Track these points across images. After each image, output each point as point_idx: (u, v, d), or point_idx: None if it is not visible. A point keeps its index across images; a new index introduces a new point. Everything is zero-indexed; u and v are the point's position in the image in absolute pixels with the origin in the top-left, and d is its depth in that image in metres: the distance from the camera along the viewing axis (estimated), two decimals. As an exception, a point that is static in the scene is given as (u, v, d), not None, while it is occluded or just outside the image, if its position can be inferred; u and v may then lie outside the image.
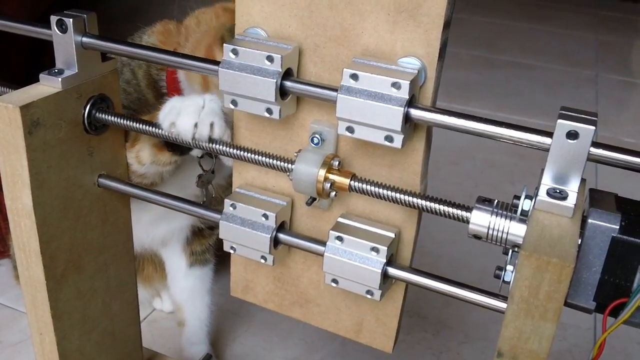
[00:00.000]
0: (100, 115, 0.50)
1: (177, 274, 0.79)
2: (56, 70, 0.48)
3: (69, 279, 0.53)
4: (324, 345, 0.86)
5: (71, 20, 0.47)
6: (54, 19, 0.47)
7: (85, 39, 0.48)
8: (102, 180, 0.53)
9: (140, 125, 0.50)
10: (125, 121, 0.50)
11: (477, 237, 0.40)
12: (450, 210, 0.41)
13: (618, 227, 0.35)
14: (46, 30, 0.49)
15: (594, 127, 0.35)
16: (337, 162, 0.45)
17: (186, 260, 0.79)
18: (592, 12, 2.43)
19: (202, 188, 0.61)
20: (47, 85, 0.48)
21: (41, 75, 0.48)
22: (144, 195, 0.53)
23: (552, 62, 1.94)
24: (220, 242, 0.51)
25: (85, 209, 0.52)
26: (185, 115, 0.48)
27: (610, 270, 0.36)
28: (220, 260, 0.83)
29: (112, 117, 0.50)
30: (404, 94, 0.39)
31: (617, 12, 2.45)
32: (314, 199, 0.47)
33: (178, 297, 0.81)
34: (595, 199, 0.38)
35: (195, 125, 0.48)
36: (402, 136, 0.40)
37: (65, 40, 0.48)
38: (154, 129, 0.49)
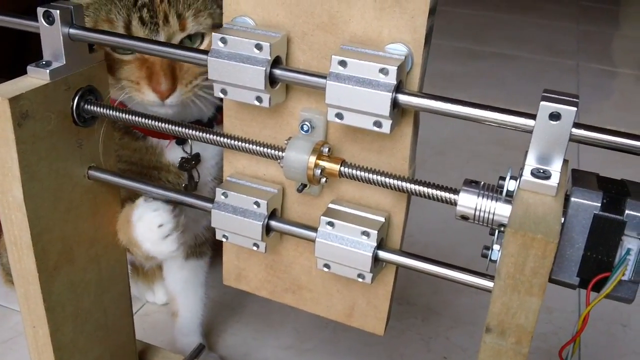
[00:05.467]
0: (88, 107, 0.50)
1: (173, 265, 0.80)
2: (44, 62, 0.48)
3: (61, 271, 0.53)
4: (315, 333, 0.86)
5: (58, 11, 0.46)
6: (40, 10, 0.47)
7: (72, 31, 0.48)
8: (92, 172, 0.53)
9: (130, 116, 0.50)
10: (113, 112, 0.50)
11: (464, 218, 0.41)
12: (439, 193, 0.42)
13: (600, 204, 0.37)
14: (33, 22, 0.49)
15: (575, 108, 0.36)
16: (327, 149, 0.45)
17: (183, 252, 0.79)
18: (573, 2, 2.47)
19: (186, 172, 0.61)
20: (35, 77, 0.47)
21: (29, 68, 0.48)
22: (133, 185, 0.53)
23: (535, 53, 1.96)
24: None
25: (76, 201, 0.53)
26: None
27: (593, 247, 0.37)
28: (215, 252, 0.83)
29: (101, 109, 0.50)
30: (391, 79, 0.40)
31: (598, 2, 2.48)
32: (305, 186, 0.47)
33: (172, 288, 0.81)
34: (578, 178, 0.39)
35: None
36: (390, 121, 0.41)
37: (53, 32, 0.48)
38: (144, 119, 0.49)
